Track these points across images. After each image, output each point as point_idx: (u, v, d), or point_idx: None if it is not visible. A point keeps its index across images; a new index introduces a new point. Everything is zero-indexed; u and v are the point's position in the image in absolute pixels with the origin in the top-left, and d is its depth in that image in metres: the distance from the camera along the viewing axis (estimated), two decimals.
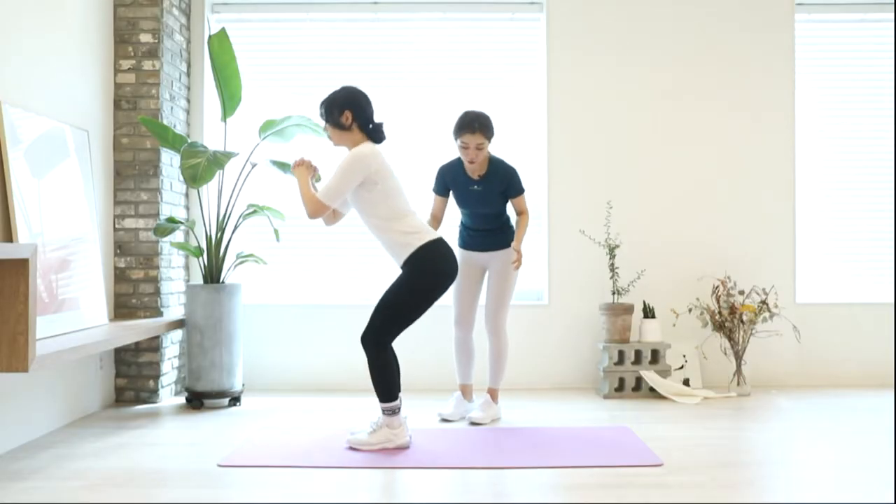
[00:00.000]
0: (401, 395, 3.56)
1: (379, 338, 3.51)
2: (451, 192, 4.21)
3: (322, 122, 3.69)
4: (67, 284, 3.83)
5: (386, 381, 3.51)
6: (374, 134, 3.64)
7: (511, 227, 4.21)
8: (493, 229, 4.17)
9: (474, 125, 3.99)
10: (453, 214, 4.38)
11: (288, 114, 4.98)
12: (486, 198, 4.11)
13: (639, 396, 4.77)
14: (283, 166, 4.58)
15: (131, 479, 3.09)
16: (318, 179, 3.79)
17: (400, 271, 3.61)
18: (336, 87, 3.69)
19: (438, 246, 3.57)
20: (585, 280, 5.17)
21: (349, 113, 3.58)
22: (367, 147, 3.54)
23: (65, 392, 4.04)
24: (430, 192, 4.29)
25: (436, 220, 4.23)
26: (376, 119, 3.68)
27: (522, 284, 5.26)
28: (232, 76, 4.59)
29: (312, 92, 5.30)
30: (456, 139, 4.05)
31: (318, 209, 3.51)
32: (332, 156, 4.20)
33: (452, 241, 4.40)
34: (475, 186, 4.11)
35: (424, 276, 3.54)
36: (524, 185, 4.18)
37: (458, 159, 4.15)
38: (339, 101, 3.60)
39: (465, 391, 4.28)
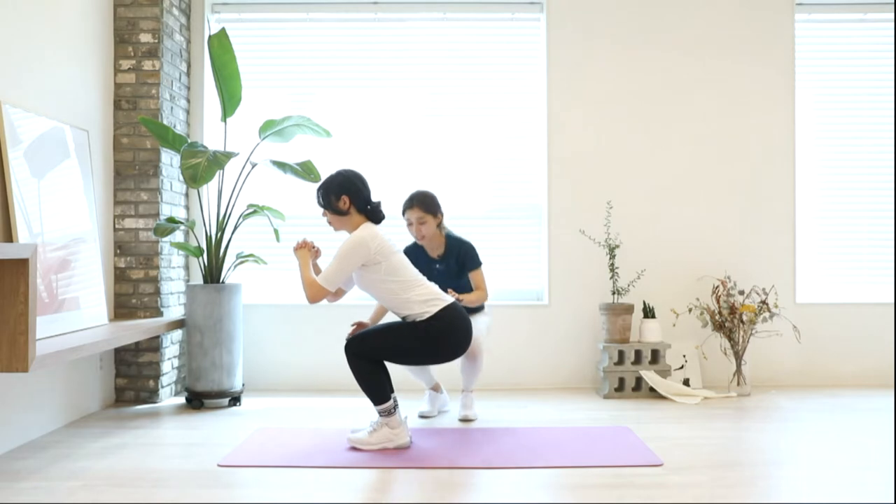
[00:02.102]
0: (394, 395, 3.56)
1: (362, 353, 3.52)
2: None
3: (320, 210, 3.69)
4: (67, 284, 3.83)
5: (373, 384, 3.51)
6: (373, 214, 3.65)
7: None
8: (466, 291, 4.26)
9: (413, 200, 4.18)
10: None
11: (288, 114, 4.98)
12: (449, 274, 4.22)
13: (639, 396, 4.77)
14: (283, 166, 4.58)
15: (131, 479, 3.09)
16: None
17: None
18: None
19: (455, 314, 3.58)
20: (585, 280, 5.17)
21: (346, 198, 3.59)
22: (365, 230, 3.56)
23: (65, 392, 4.04)
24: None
25: None
26: (374, 198, 3.69)
27: (523, 284, 5.27)
28: (232, 76, 4.58)
29: (313, 92, 5.32)
30: (404, 215, 4.22)
31: (318, 294, 3.54)
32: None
33: None
34: (437, 265, 4.23)
35: (436, 342, 3.56)
36: (481, 259, 4.25)
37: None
38: (336, 187, 3.61)
39: (434, 387, 4.34)
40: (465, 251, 4.22)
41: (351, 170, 3.70)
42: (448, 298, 3.62)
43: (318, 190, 3.65)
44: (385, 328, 3.60)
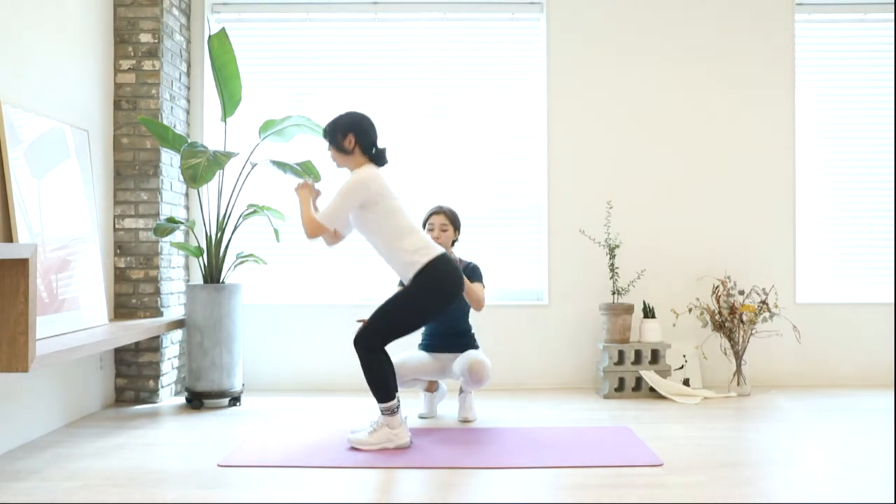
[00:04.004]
0: (398, 394, 3.56)
1: (371, 343, 3.53)
2: None
3: (326, 145, 3.71)
4: (67, 284, 3.83)
5: (380, 381, 3.52)
6: (377, 158, 3.68)
7: (474, 337, 4.26)
8: (457, 332, 4.21)
9: (441, 208, 4.27)
10: None
11: (288, 114, 4.98)
12: None
13: (639, 396, 4.77)
14: (283, 166, 4.58)
15: (131, 479, 3.09)
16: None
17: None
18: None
19: (443, 263, 3.59)
20: (585, 280, 5.17)
21: (352, 137, 3.62)
22: (367, 170, 3.57)
23: (65, 392, 4.04)
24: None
25: None
26: (380, 144, 3.70)
27: (523, 284, 5.27)
28: (232, 76, 4.59)
29: (312, 92, 5.32)
30: (424, 226, 4.25)
31: (317, 230, 3.56)
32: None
33: None
34: None
35: (429, 294, 3.57)
36: (484, 281, 4.30)
37: None
38: (343, 125, 3.63)
39: (428, 388, 4.31)
40: (473, 267, 4.25)
41: (359, 112, 3.73)
42: (438, 249, 3.62)
43: (326, 126, 3.68)
44: (379, 309, 3.61)
